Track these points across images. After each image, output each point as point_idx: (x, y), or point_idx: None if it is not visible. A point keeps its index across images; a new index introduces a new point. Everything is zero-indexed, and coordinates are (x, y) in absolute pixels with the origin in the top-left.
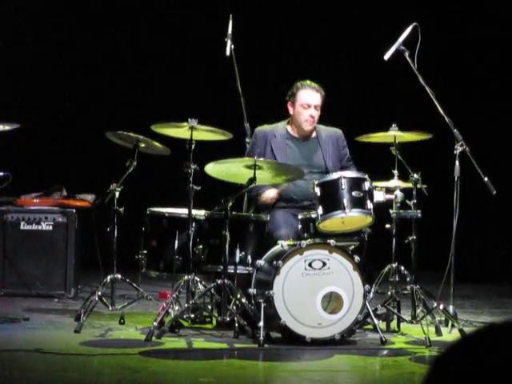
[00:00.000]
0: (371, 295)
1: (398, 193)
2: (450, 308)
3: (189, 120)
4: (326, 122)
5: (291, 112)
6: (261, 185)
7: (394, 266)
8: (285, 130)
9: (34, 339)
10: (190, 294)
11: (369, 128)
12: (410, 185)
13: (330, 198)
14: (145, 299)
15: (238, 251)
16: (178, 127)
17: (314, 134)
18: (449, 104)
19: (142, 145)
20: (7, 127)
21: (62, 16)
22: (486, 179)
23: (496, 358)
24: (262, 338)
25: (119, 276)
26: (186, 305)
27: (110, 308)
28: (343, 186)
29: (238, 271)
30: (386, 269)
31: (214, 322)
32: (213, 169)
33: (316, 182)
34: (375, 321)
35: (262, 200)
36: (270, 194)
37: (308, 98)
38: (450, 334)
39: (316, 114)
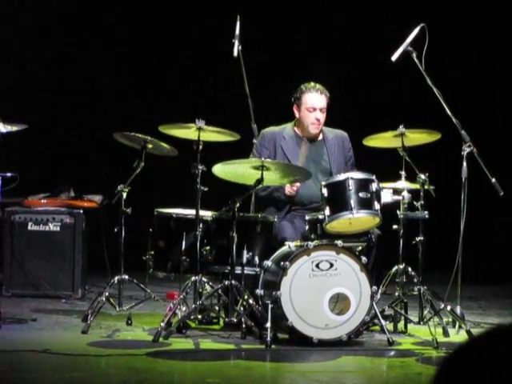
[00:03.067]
0: (378, 296)
1: (405, 194)
2: (458, 309)
3: (196, 121)
4: (332, 124)
5: (297, 115)
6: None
7: (402, 267)
8: (293, 131)
9: (42, 340)
10: (197, 294)
11: (376, 130)
12: (417, 186)
13: (338, 199)
14: (152, 300)
15: (245, 252)
16: (186, 128)
17: (320, 137)
18: (456, 105)
19: (150, 146)
20: (15, 128)
21: (69, 17)
22: (493, 180)
23: (503, 359)
24: (269, 338)
25: (126, 277)
26: (194, 306)
27: (118, 309)
28: (350, 187)
29: (245, 272)
30: (394, 270)
31: (222, 322)
32: (220, 170)
33: (323, 183)
34: (382, 322)
35: (287, 193)
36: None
37: (313, 102)
38: (458, 336)
39: (322, 116)
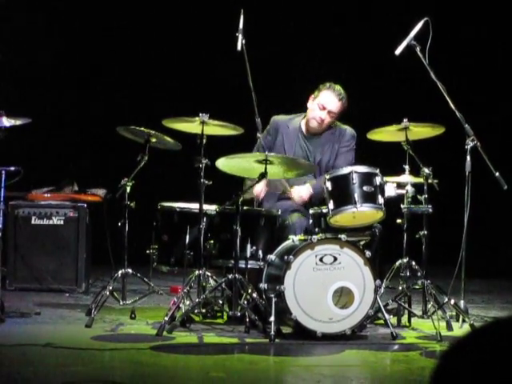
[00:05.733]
0: (382, 290)
1: (409, 188)
2: (461, 303)
3: (200, 115)
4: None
5: (308, 105)
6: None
7: (405, 261)
8: (298, 124)
9: (45, 334)
10: (201, 288)
11: (380, 124)
12: (421, 180)
13: (341, 193)
14: (156, 294)
15: (249, 246)
16: (189, 122)
17: (322, 135)
18: (460, 99)
19: (153, 139)
20: (18, 122)
21: (72, 12)
22: (497, 174)
23: (501, 352)
24: (272, 332)
25: (130, 271)
26: (197, 299)
27: (121, 303)
28: (354, 181)
29: (249, 266)
30: (397, 264)
31: (225, 316)
32: (224, 164)
33: (327, 177)
34: (386, 316)
35: (254, 195)
36: (258, 188)
37: (326, 101)
38: (461, 329)
39: (326, 117)
